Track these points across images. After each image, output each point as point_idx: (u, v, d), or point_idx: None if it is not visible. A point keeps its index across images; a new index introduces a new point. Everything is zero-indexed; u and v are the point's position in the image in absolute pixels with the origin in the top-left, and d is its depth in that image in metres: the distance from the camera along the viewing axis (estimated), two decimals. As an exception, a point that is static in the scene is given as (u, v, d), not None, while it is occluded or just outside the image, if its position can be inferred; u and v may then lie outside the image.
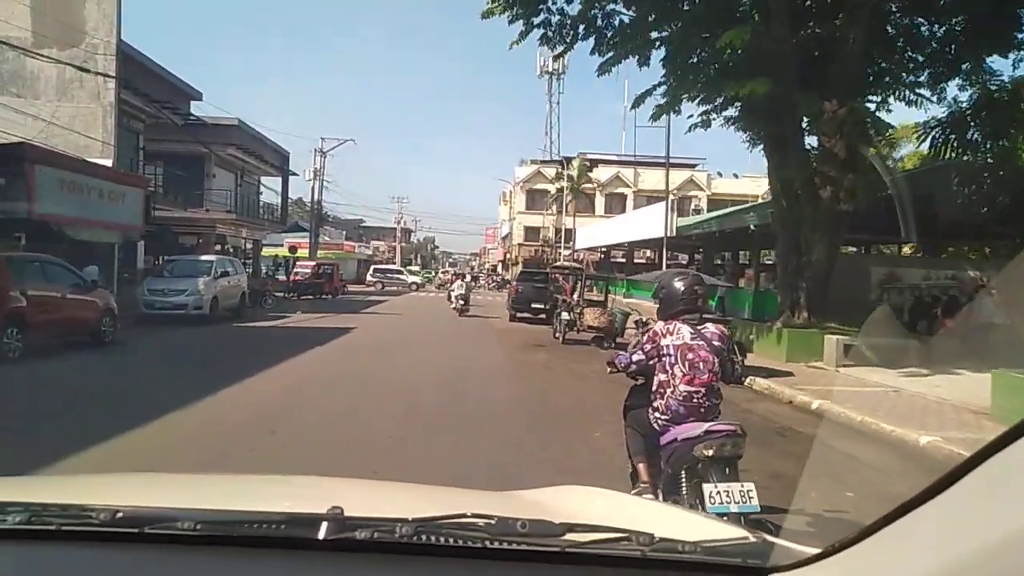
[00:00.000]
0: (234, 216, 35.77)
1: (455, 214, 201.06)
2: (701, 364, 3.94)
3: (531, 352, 15.37)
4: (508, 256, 69.12)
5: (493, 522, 1.27)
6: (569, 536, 1.26)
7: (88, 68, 18.91)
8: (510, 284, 26.30)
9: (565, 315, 17.19)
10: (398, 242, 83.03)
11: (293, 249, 44.96)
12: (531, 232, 61.97)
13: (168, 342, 15.24)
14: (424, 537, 1.25)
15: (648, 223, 28.93)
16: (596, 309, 17.77)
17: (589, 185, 53.42)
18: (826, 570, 1.09)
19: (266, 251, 48.18)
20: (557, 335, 17.49)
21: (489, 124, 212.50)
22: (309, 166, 48.38)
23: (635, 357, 4.18)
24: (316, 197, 47.60)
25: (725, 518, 3.08)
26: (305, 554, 1.27)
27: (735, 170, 66.38)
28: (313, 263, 36.32)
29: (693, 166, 62.04)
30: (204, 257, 19.83)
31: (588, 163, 52.01)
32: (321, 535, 1.24)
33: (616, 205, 57.89)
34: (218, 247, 40.17)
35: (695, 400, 3.93)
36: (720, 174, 62.20)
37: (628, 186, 60.07)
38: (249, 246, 45.51)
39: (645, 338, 4.18)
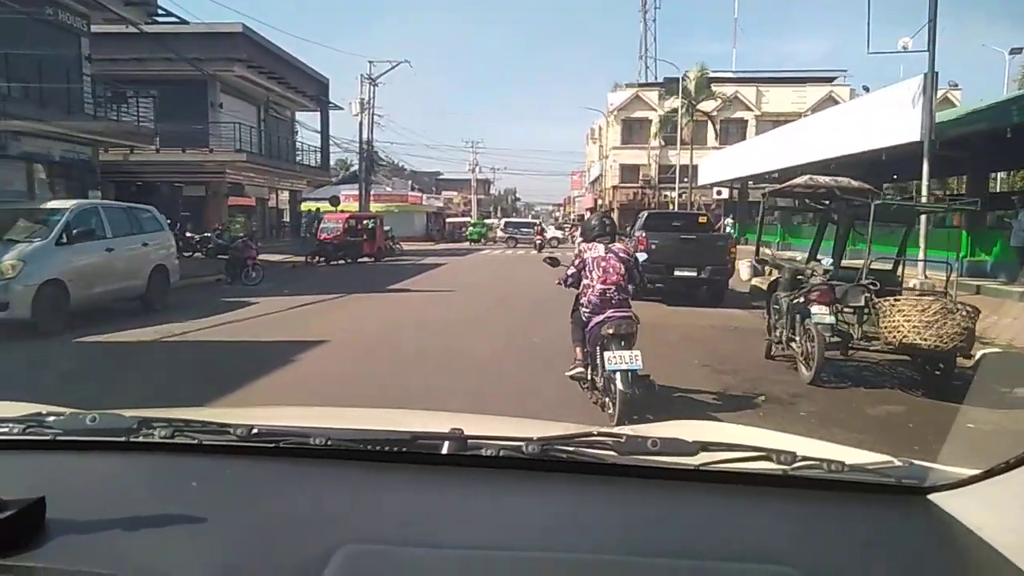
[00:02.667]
0: (244, 157, 26.50)
1: (539, 151, 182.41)
2: (611, 270, 5.60)
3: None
4: (599, 202, 58.51)
5: (622, 440, 1.23)
6: (703, 455, 1.19)
7: None
8: (631, 237, 15.31)
9: (822, 312, 6.64)
10: (473, 193, 73.24)
11: (335, 201, 35.90)
12: (628, 172, 50.93)
13: None
14: (551, 455, 1.22)
15: (852, 128, 17.82)
16: (929, 300, 6.33)
17: (711, 102, 41.71)
18: (988, 491, 1.03)
19: (313, 206, 39.45)
20: (782, 348, 7.50)
21: (573, 58, 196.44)
22: (375, 109, 38.22)
23: (570, 271, 5.88)
24: (366, 136, 37.96)
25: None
26: (429, 468, 1.27)
27: (881, 84, 53.93)
28: (344, 217, 26.76)
29: (831, 79, 50.19)
30: (48, 205, 10.20)
31: (707, 77, 40.34)
32: (444, 451, 1.25)
33: (734, 133, 46.23)
34: (246, 202, 31.75)
35: (607, 295, 5.52)
36: (867, 88, 49.38)
37: (749, 109, 48.23)
38: (284, 199, 37.19)
39: (574, 255, 6.02)
